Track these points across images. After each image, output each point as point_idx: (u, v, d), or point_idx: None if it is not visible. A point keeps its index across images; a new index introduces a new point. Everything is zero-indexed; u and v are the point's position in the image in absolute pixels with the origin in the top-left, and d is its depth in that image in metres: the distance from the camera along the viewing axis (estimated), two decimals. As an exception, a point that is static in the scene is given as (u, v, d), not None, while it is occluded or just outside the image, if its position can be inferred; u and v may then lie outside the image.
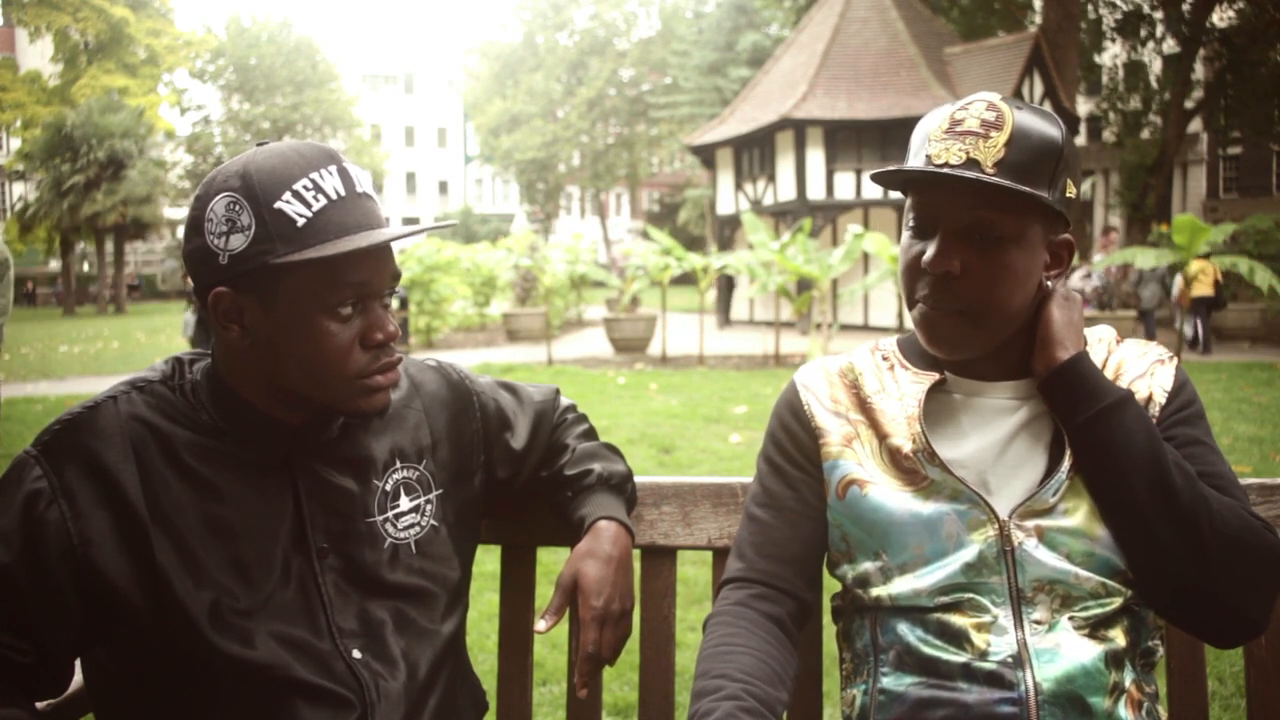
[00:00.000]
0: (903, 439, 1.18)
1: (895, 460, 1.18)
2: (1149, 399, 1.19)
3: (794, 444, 1.26)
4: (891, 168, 1.14)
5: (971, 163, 1.10)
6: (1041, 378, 1.17)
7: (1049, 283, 1.18)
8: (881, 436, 1.20)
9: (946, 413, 1.21)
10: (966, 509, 1.14)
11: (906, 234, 1.19)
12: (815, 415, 1.25)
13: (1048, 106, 17.95)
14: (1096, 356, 1.22)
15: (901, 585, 1.16)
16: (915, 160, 1.15)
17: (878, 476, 1.19)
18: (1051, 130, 1.12)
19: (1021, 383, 1.20)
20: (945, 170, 1.10)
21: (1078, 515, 1.13)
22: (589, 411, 1.54)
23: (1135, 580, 1.13)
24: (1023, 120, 1.12)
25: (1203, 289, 12.98)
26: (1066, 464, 1.14)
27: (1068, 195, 1.14)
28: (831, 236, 18.05)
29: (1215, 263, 12.07)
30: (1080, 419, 1.13)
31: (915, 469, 1.17)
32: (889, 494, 1.17)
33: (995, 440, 1.18)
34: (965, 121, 1.12)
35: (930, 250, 1.13)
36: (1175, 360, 1.23)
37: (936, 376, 1.21)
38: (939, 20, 20.79)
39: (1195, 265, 11.83)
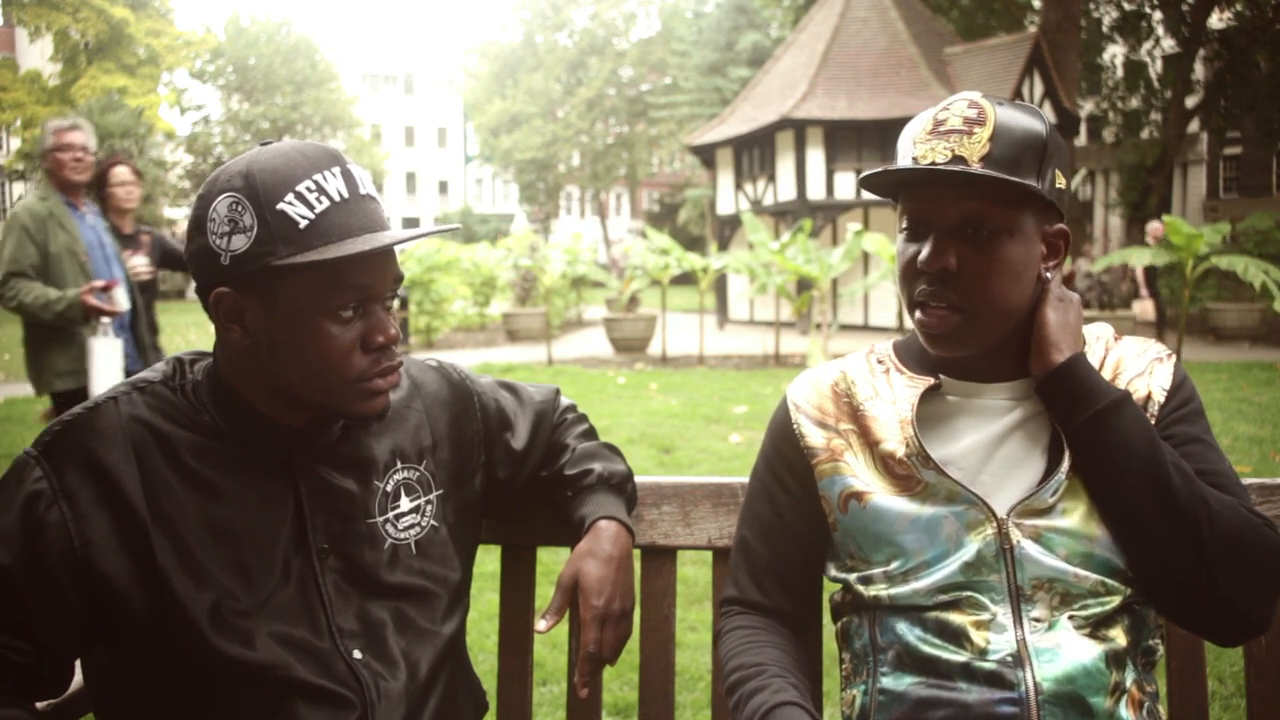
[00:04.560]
0: (896, 443, 1.19)
1: (889, 467, 1.19)
2: (1148, 398, 1.19)
3: (786, 466, 1.28)
4: (879, 169, 1.15)
5: (958, 159, 1.11)
6: (1038, 380, 1.17)
7: (1047, 274, 1.19)
8: (874, 443, 1.20)
9: (942, 415, 1.21)
10: (964, 509, 1.14)
11: (901, 237, 1.20)
12: (806, 435, 1.25)
13: (1048, 107, 17.98)
14: (1094, 355, 1.22)
15: (903, 587, 1.16)
16: (903, 164, 1.16)
17: (874, 485, 1.19)
18: (1035, 123, 1.14)
19: (1017, 383, 1.20)
20: (933, 168, 1.11)
21: (1075, 516, 1.13)
22: (589, 411, 1.54)
23: (1137, 580, 1.13)
24: (1005, 115, 1.13)
25: None
26: (1066, 464, 1.14)
27: (1057, 186, 1.15)
28: (831, 236, 18.04)
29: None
30: (1077, 421, 1.13)
31: (910, 474, 1.17)
32: (887, 502, 1.17)
33: (990, 440, 1.18)
34: (948, 121, 1.14)
35: (925, 250, 1.14)
36: (1174, 358, 1.23)
37: (931, 381, 1.21)
38: (939, 20, 20.77)
39: None
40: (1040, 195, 1.12)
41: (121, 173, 4.57)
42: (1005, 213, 1.12)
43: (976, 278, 1.13)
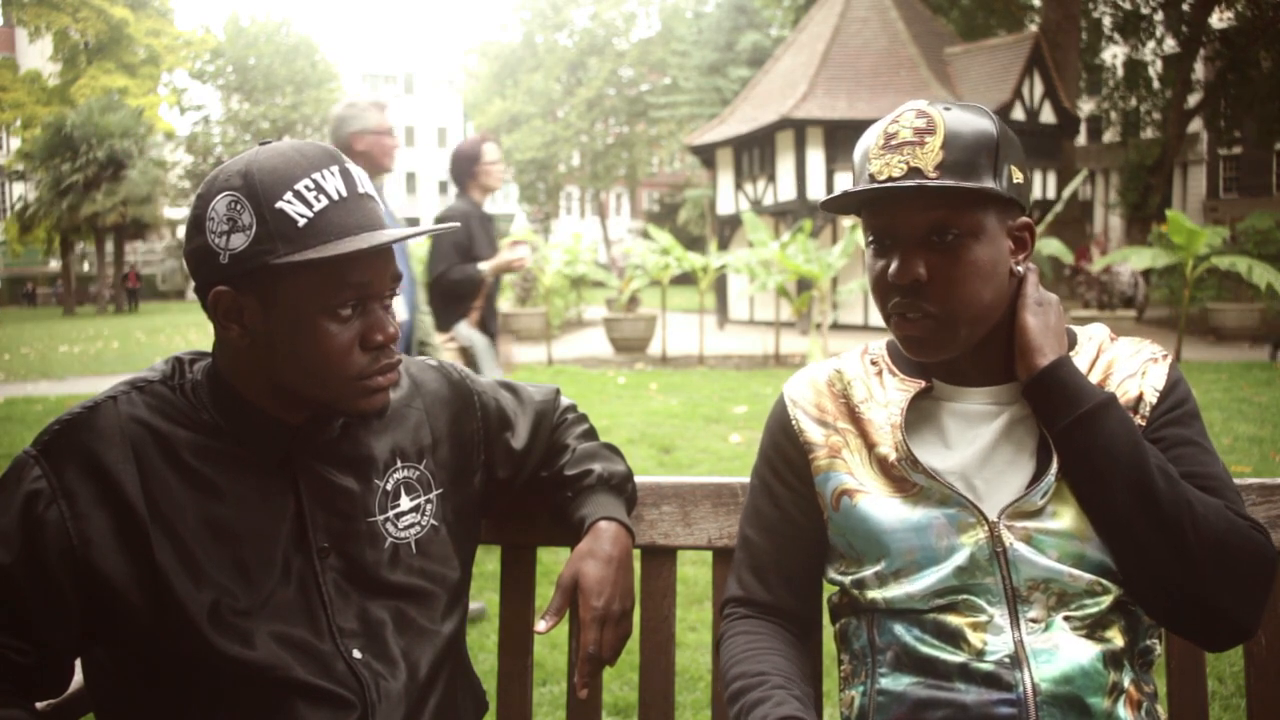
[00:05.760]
0: (888, 447, 1.19)
1: (884, 468, 1.19)
2: (1139, 398, 1.19)
3: (785, 462, 1.28)
4: (838, 193, 1.16)
5: (914, 171, 1.12)
6: (1024, 384, 1.18)
7: (1019, 268, 1.20)
8: (870, 445, 1.21)
9: (932, 418, 1.22)
10: (955, 513, 1.15)
11: (869, 253, 1.20)
12: (804, 430, 1.26)
13: (1048, 106, 17.99)
14: (1086, 355, 1.23)
15: (896, 590, 1.16)
16: (860, 181, 1.17)
17: (869, 485, 1.20)
18: (984, 123, 1.14)
19: (1006, 387, 1.21)
20: (890, 184, 1.12)
21: (1066, 517, 1.13)
22: (589, 411, 1.54)
23: (1125, 584, 1.13)
24: (954, 120, 1.14)
25: None
26: (1054, 467, 1.14)
27: (1015, 181, 1.16)
28: (831, 236, 18.04)
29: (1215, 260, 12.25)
30: (1061, 424, 1.13)
31: (903, 476, 1.18)
32: (879, 502, 1.18)
33: (981, 444, 1.19)
34: (899, 134, 1.14)
35: (894, 264, 1.15)
36: (1169, 359, 1.23)
37: (922, 384, 1.22)
38: (939, 20, 20.78)
39: None
40: (999, 194, 1.13)
41: (493, 150, 4.33)
42: (968, 217, 1.13)
43: (949, 284, 1.14)
